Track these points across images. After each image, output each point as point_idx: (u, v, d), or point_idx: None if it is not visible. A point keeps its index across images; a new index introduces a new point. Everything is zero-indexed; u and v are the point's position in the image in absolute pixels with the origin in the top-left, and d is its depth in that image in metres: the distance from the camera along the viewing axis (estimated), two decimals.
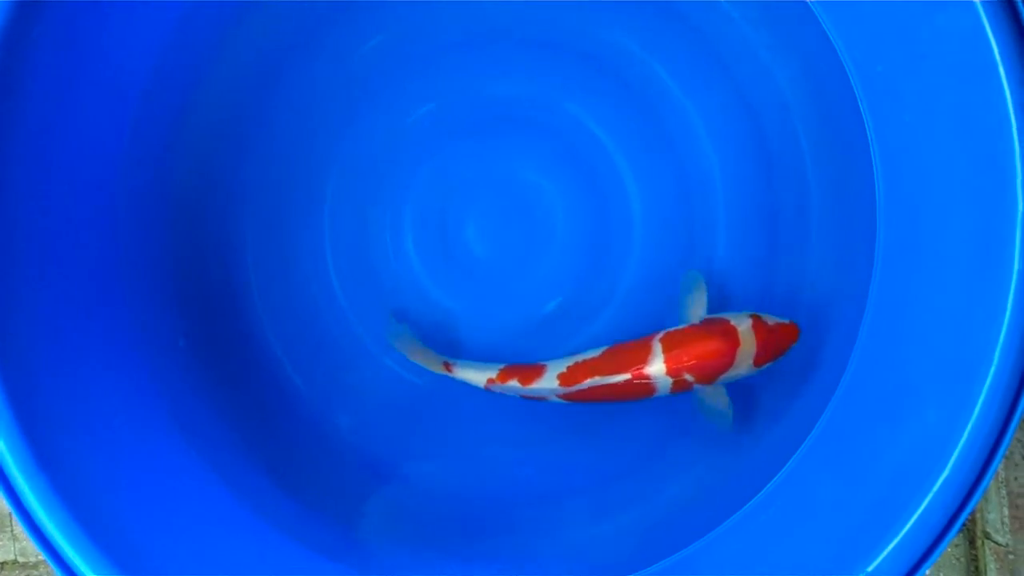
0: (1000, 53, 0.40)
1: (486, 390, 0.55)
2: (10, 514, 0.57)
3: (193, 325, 0.55)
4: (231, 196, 0.58)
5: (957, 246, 0.43)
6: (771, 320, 0.51)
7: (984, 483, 0.40)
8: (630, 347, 0.52)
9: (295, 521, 0.51)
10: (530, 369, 0.54)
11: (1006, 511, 0.56)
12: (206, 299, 0.57)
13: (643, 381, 0.51)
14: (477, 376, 0.55)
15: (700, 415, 0.53)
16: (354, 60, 0.59)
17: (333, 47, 0.58)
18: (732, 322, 0.51)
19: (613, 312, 0.59)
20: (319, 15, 0.57)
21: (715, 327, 0.51)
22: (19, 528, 0.55)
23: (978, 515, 0.58)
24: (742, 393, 0.53)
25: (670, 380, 0.51)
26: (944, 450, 0.40)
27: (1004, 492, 0.57)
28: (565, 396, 0.53)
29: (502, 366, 0.55)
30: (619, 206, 0.59)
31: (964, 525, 0.41)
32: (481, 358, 0.57)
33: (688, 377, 0.51)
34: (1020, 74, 0.40)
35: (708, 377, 0.51)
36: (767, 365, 0.50)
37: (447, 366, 0.56)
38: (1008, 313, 0.40)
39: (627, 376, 0.51)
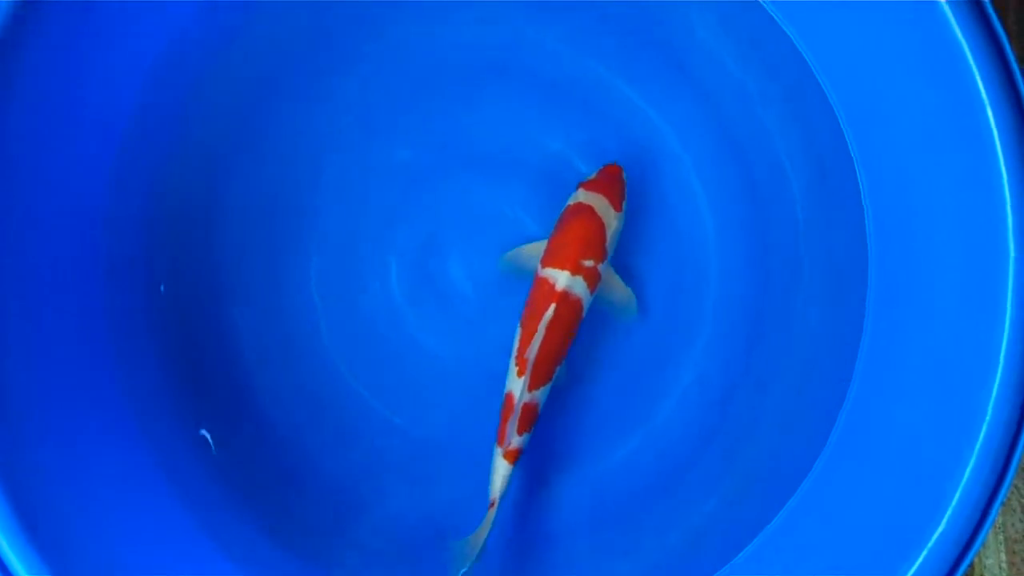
0: (987, 95, 0.40)
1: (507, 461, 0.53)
2: None
3: (182, 372, 0.55)
4: (212, 250, 0.57)
5: (949, 280, 0.43)
6: (594, 175, 0.54)
7: (981, 535, 0.39)
8: (531, 296, 0.53)
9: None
10: (505, 408, 0.53)
11: (1003, 556, 0.56)
12: (193, 344, 0.56)
13: (565, 303, 0.51)
14: (501, 467, 0.53)
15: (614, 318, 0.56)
16: (336, 101, 0.58)
17: (316, 87, 0.58)
18: (570, 202, 0.53)
19: (598, 344, 0.58)
20: (299, 55, 0.57)
21: (565, 217, 0.53)
22: None
23: (976, 561, 0.57)
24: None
25: (580, 279, 0.51)
26: (941, 501, 0.40)
27: (1002, 538, 0.56)
28: (535, 383, 0.52)
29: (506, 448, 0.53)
30: None
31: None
32: (468, 397, 0.56)
33: (588, 263, 0.52)
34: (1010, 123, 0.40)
35: (600, 250, 0.52)
36: (624, 205, 0.53)
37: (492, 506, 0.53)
38: (1002, 359, 0.40)
39: (550, 312, 0.51)
